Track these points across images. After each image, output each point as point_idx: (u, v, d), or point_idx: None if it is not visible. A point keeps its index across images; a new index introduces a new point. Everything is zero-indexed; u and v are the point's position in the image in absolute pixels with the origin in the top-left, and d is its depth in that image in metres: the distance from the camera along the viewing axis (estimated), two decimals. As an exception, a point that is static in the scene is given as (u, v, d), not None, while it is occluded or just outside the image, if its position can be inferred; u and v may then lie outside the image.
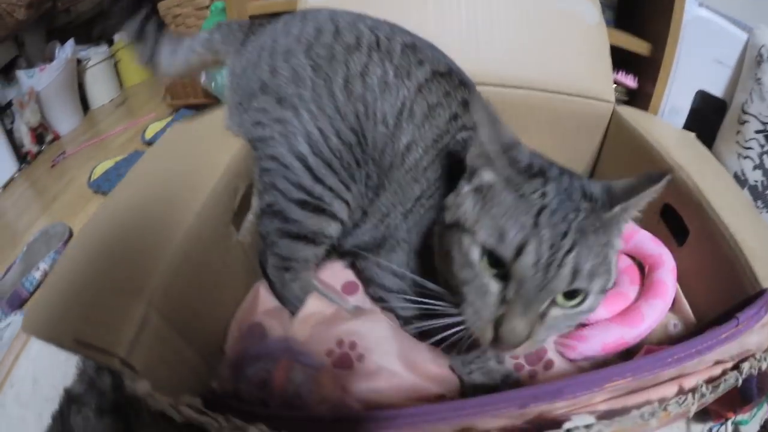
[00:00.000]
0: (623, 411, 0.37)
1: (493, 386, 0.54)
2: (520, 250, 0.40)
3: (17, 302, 0.93)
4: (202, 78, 1.14)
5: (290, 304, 0.62)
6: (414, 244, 0.58)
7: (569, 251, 0.40)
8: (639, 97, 0.95)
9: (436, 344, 0.49)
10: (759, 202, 0.87)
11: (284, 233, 0.61)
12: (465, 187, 0.47)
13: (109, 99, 1.62)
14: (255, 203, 0.64)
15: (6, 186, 1.30)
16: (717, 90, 0.90)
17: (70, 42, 1.46)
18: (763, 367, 0.45)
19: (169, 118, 1.40)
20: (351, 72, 0.59)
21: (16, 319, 0.84)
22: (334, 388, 0.47)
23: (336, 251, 0.69)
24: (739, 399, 0.52)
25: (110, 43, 1.62)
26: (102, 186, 1.19)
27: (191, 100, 1.37)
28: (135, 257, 0.44)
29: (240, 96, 0.64)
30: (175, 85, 1.36)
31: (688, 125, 0.95)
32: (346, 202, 0.62)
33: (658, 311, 0.58)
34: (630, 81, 0.94)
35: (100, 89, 1.61)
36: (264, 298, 0.62)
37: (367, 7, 0.66)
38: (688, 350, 0.39)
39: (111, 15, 0.64)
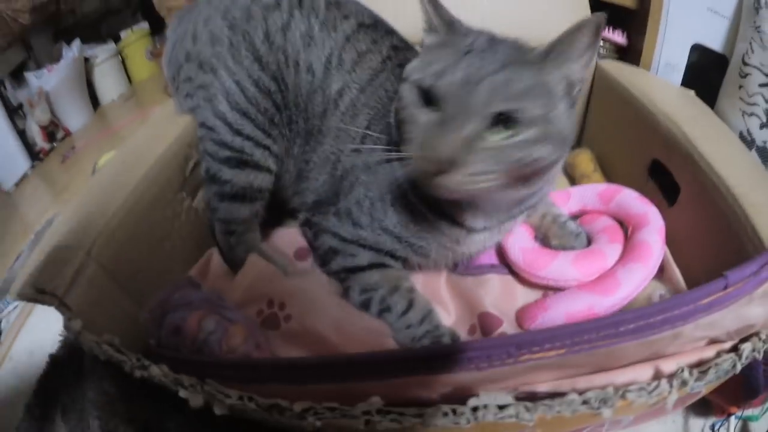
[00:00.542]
0: (557, 394, 0.25)
1: None
2: (440, 75, 0.41)
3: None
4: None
5: (237, 267, 0.60)
6: (380, 171, 0.53)
7: (489, 75, 0.39)
8: (630, 54, 0.83)
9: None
10: (768, 166, 0.74)
11: (221, 196, 0.61)
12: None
13: (117, 94, 1.58)
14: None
15: (19, 183, 1.28)
16: (715, 43, 0.78)
17: (77, 42, 1.43)
18: (770, 349, 0.33)
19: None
20: (270, 28, 0.59)
21: (22, 303, 0.80)
22: (245, 341, 0.44)
23: (291, 216, 0.68)
24: (742, 390, 0.41)
25: (117, 40, 1.57)
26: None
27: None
28: (84, 217, 0.46)
29: (172, 71, 0.64)
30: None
31: (687, 83, 0.82)
32: (268, 149, 0.61)
33: (638, 277, 0.47)
34: (618, 37, 0.83)
35: (109, 86, 1.57)
36: (216, 263, 0.60)
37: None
38: (648, 317, 0.26)
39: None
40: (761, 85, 0.71)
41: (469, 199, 0.45)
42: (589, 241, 0.55)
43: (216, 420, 0.36)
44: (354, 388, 0.28)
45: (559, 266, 0.50)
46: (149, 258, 0.51)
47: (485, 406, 0.26)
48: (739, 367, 0.32)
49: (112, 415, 0.40)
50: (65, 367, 0.49)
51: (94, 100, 1.52)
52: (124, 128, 1.41)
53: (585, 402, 0.25)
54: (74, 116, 1.44)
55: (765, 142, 0.72)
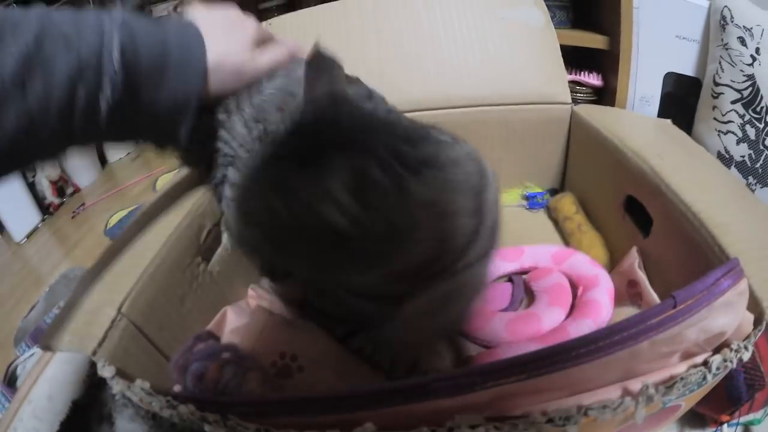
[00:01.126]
0: (521, 416, 0.29)
1: None
2: None
3: (40, 337, 0.91)
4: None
5: None
6: None
7: None
8: (606, 94, 0.89)
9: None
10: (750, 179, 0.77)
11: None
12: None
13: (125, 153, 1.64)
14: (224, 239, 0.69)
15: (30, 235, 1.33)
16: (687, 69, 0.82)
17: (85, 104, 1.48)
18: (744, 358, 0.36)
19: (177, 170, 1.41)
20: None
21: (39, 351, 0.83)
22: (261, 386, 0.48)
23: None
24: (726, 400, 0.44)
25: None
26: (117, 233, 1.19)
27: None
28: (113, 278, 0.52)
29: None
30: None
31: (665, 112, 0.86)
32: None
33: (586, 330, 0.50)
34: (594, 79, 0.88)
35: (117, 144, 1.61)
36: (230, 320, 0.63)
37: (308, 36, 0.64)
38: (597, 341, 0.29)
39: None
40: (734, 102, 0.75)
41: None
42: (533, 299, 0.58)
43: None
44: (350, 417, 0.32)
45: (494, 328, 0.53)
46: (171, 314, 0.57)
47: (459, 427, 0.29)
48: (710, 379, 0.34)
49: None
50: (88, 413, 0.53)
51: (102, 158, 1.58)
52: (132, 187, 1.47)
53: (549, 420, 0.29)
54: (83, 172, 1.50)
55: (743, 157, 0.76)
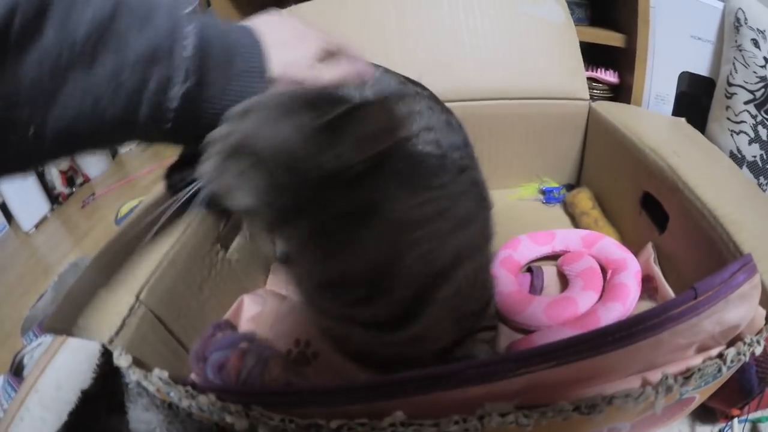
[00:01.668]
0: (549, 404, 0.30)
1: None
2: None
3: (48, 324, 0.93)
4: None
5: None
6: None
7: None
8: (622, 92, 0.90)
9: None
10: (761, 179, 0.78)
11: None
12: None
13: (135, 143, 1.64)
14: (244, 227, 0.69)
15: (39, 225, 1.33)
16: (701, 68, 0.83)
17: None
18: (757, 352, 0.38)
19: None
20: None
21: (47, 340, 0.82)
22: (283, 372, 0.48)
23: None
24: (738, 393, 0.45)
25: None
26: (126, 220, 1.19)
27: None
28: (129, 266, 0.51)
29: None
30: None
31: (679, 111, 0.87)
32: None
33: (616, 315, 0.52)
34: (610, 76, 0.89)
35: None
36: (248, 308, 0.64)
37: (335, 30, 0.64)
38: (626, 328, 0.31)
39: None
40: (746, 102, 0.76)
41: None
42: (567, 283, 0.60)
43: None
44: (380, 406, 0.32)
45: (532, 313, 0.55)
46: (190, 302, 0.57)
47: (489, 414, 0.30)
48: (725, 371, 0.36)
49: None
50: (97, 403, 0.53)
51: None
52: (142, 178, 1.48)
53: (576, 408, 0.30)
54: (93, 163, 1.51)
55: (755, 157, 0.77)
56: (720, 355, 0.36)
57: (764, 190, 0.78)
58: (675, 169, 0.53)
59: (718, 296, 0.34)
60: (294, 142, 0.36)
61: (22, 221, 1.32)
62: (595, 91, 0.90)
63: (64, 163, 1.40)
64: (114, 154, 1.61)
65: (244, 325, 0.61)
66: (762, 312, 0.38)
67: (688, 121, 0.69)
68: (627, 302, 0.53)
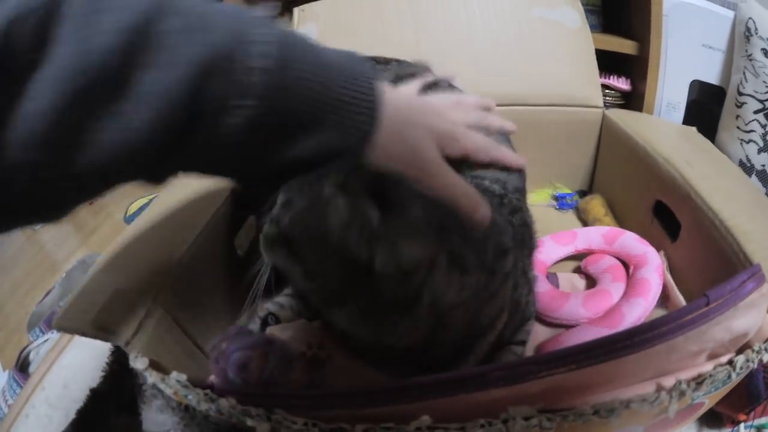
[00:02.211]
0: (570, 408, 0.32)
1: None
2: None
3: (55, 322, 0.93)
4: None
5: None
6: None
7: None
8: (634, 99, 0.91)
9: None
10: (770, 189, 0.80)
11: None
12: None
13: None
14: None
15: None
16: (712, 77, 0.85)
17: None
18: (765, 359, 0.39)
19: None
20: None
21: (53, 336, 0.83)
22: (306, 372, 0.48)
23: None
24: (745, 398, 0.47)
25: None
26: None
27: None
28: (146, 266, 0.50)
29: None
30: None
31: (689, 119, 0.89)
32: None
33: (640, 310, 0.53)
34: (623, 84, 0.90)
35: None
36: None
37: (350, 31, 0.66)
38: (641, 333, 0.32)
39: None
40: (756, 112, 0.77)
41: None
42: (594, 282, 0.62)
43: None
44: (406, 409, 0.33)
45: (571, 307, 0.56)
46: (206, 305, 0.57)
47: (513, 418, 0.32)
48: (734, 377, 0.38)
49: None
50: (106, 401, 0.53)
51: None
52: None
53: (596, 412, 0.32)
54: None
55: (764, 166, 0.78)
56: (730, 362, 0.38)
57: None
58: (687, 178, 0.54)
59: (728, 304, 0.36)
60: (344, 240, 0.37)
61: (28, 217, 1.34)
62: (607, 98, 0.92)
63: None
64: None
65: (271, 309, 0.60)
66: (770, 320, 0.40)
67: (699, 130, 0.70)
68: (649, 297, 0.54)
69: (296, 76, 0.28)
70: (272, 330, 0.59)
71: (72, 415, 0.52)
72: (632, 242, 0.61)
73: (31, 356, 0.77)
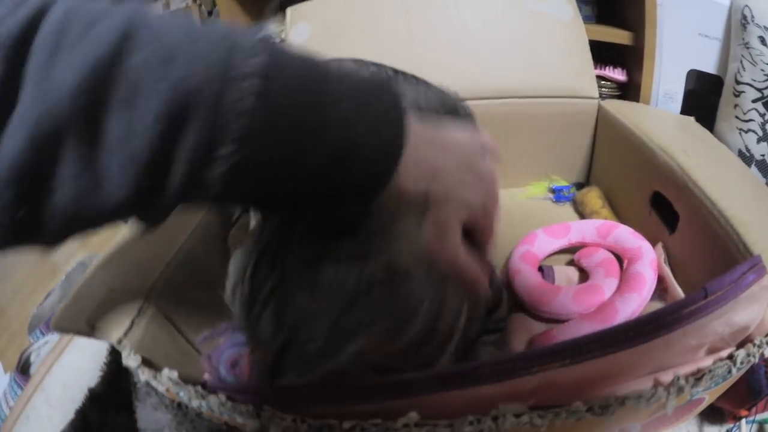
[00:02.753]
0: (563, 405, 0.31)
1: None
2: None
3: (55, 323, 0.93)
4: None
5: None
6: None
7: None
8: (630, 90, 0.90)
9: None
10: (770, 178, 0.78)
11: None
12: None
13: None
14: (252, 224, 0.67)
15: None
16: (709, 66, 0.83)
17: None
18: (766, 353, 0.38)
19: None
20: None
21: (53, 338, 0.82)
22: None
23: None
24: (746, 393, 0.46)
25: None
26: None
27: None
28: (138, 266, 0.51)
29: None
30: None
31: (687, 109, 0.88)
32: None
33: (634, 305, 0.52)
34: (619, 75, 0.89)
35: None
36: None
37: (342, 29, 0.65)
38: (637, 328, 0.31)
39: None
40: (754, 101, 0.76)
41: None
42: (587, 275, 0.61)
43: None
44: (394, 406, 0.32)
45: (561, 301, 0.55)
46: (200, 302, 0.56)
47: (504, 415, 0.31)
48: (734, 372, 0.36)
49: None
50: (105, 401, 0.53)
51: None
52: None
53: (589, 409, 0.31)
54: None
55: (763, 156, 0.77)
56: (730, 357, 0.37)
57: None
58: (685, 168, 0.53)
59: (727, 296, 0.34)
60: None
61: (28, 221, 1.34)
62: (603, 89, 0.90)
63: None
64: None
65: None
66: (771, 314, 0.38)
67: (697, 119, 0.69)
68: (644, 292, 0.53)
69: (287, 114, 0.24)
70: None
71: (71, 416, 0.52)
72: (626, 236, 0.60)
73: (32, 358, 0.76)
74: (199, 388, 0.36)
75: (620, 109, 0.71)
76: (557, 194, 0.78)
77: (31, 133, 0.20)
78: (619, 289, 0.55)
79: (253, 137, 0.23)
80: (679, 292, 0.53)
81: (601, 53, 0.85)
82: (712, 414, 0.50)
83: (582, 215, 0.74)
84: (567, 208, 0.77)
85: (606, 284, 0.56)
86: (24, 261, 1.28)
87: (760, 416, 0.48)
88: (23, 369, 0.73)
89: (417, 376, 0.32)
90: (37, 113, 0.20)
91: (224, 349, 0.51)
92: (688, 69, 0.85)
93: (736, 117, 0.78)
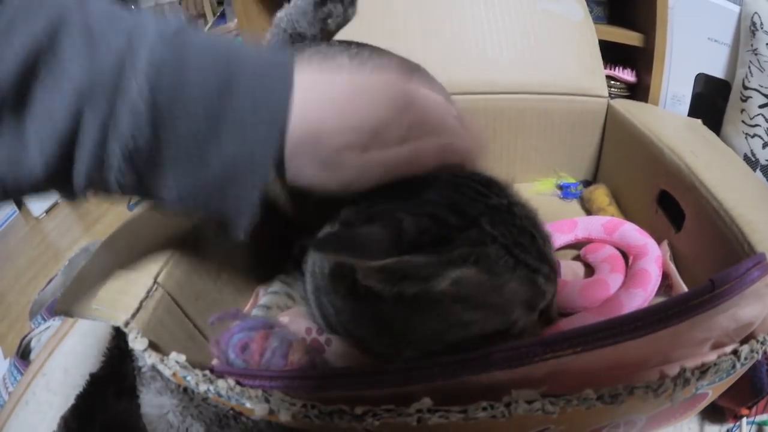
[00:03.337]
0: (576, 391, 0.32)
1: None
2: None
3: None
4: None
5: None
6: None
7: None
8: (639, 91, 0.91)
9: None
10: (775, 182, 0.79)
11: None
12: None
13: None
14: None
15: (49, 210, 1.36)
16: (717, 71, 0.84)
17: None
18: (769, 350, 0.39)
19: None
20: None
21: (55, 323, 0.84)
22: (306, 354, 0.48)
23: None
24: (748, 391, 0.46)
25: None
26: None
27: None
28: (146, 248, 0.50)
29: None
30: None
31: (695, 112, 0.88)
32: None
33: (639, 301, 0.53)
34: (628, 75, 0.90)
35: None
36: (262, 298, 0.63)
37: (356, 24, 0.66)
38: (646, 318, 0.32)
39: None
40: (761, 106, 0.77)
41: None
42: (593, 270, 0.62)
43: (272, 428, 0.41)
44: (406, 392, 0.32)
45: (568, 296, 0.56)
46: (207, 287, 0.57)
47: (516, 402, 0.31)
48: (738, 367, 0.37)
49: (168, 427, 0.46)
50: (106, 386, 0.53)
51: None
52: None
53: (599, 397, 0.31)
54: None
55: (768, 161, 0.78)
56: (734, 352, 0.37)
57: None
58: (692, 168, 0.54)
59: (733, 290, 0.35)
60: None
61: (32, 207, 1.34)
62: (612, 89, 0.91)
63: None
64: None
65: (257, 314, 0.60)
66: (775, 311, 0.39)
67: (704, 123, 0.69)
68: (648, 288, 0.54)
69: (183, 105, 0.27)
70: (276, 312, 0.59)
71: (72, 400, 0.52)
72: (632, 233, 0.61)
73: (33, 344, 0.77)
74: (207, 372, 0.36)
75: (629, 109, 0.71)
76: (565, 191, 0.79)
77: None
78: (625, 284, 0.56)
79: (148, 123, 0.26)
80: (684, 289, 0.54)
81: (612, 54, 0.86)
82: (713, 413, 0.51)
83: (589, 212, 0.75)
84: (574, 205, 0.78)
85: (612, 279, 0.57)
86: (27, 246, 1.28)
87: (759, 417, 0.48)
88: (23, 354, 0.75)
89: (430, 362, 0.33)
90: None
91: (234, 333, 0.50)
92: (697, 72, 0.86)
93: (743, 122, 0.79)
